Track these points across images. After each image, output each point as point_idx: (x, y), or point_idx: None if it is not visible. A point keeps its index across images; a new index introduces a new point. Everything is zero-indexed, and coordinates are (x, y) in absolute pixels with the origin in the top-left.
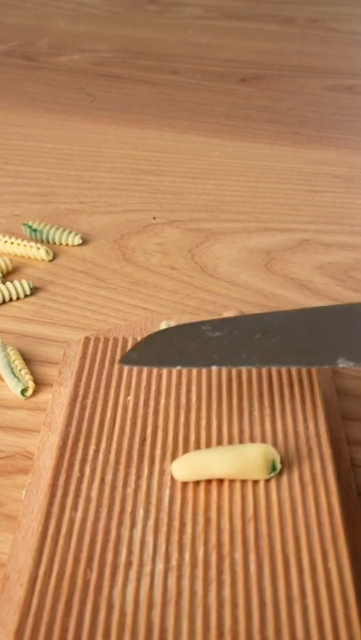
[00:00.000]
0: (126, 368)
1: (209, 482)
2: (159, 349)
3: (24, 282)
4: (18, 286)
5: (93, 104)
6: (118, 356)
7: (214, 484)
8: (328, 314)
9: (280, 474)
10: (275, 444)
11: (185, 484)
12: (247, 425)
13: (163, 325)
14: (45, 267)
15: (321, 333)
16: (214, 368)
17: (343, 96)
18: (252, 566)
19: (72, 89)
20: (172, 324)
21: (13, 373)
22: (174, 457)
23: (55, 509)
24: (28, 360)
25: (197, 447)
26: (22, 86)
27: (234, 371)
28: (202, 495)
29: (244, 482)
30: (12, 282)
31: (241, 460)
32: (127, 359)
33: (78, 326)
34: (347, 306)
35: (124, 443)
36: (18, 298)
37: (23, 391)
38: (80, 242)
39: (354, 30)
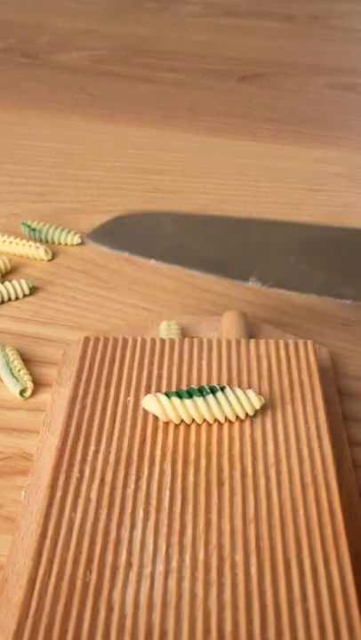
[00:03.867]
0: (126, 368)
1: (209, 481)
2: (120, 235)
3: (23, 281)
4: (17, 286)
5: (93, 103)
6: (118, 356)
7: (215, 485)
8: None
9: (281, 474)
10: (276, 445)
11: (184, 480)
12: (248, 426)
13: (163, 325)
14: (44, 266)
15: (249, 248)
16: (153, 262)
17: (345, 94)
18: (253, 569)
19: (71, 87)
20: (173, 324)
21: (12, 374)
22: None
23: (54, 510)
24: (26, 360)
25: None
26: (21, 84)
27: (234, 371)
28: (202, 496)
29: (245, 482)
30: (10, 281)
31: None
32: (94, 236)
33: (78, 326)
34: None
35: (124, 443)
36: (17, 298)
37: (22, 392)
38: (79, 241)
39: (355, 28)
